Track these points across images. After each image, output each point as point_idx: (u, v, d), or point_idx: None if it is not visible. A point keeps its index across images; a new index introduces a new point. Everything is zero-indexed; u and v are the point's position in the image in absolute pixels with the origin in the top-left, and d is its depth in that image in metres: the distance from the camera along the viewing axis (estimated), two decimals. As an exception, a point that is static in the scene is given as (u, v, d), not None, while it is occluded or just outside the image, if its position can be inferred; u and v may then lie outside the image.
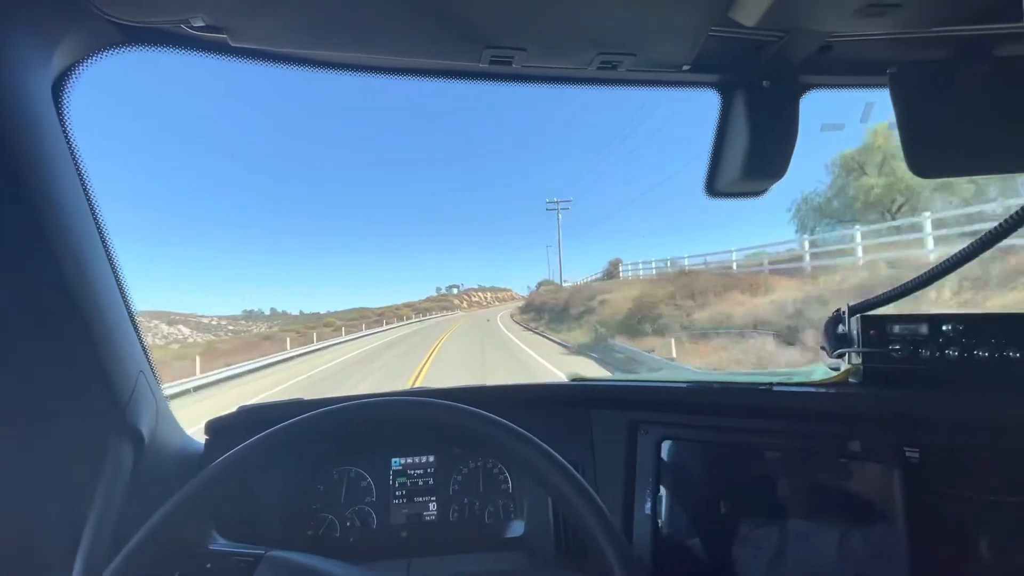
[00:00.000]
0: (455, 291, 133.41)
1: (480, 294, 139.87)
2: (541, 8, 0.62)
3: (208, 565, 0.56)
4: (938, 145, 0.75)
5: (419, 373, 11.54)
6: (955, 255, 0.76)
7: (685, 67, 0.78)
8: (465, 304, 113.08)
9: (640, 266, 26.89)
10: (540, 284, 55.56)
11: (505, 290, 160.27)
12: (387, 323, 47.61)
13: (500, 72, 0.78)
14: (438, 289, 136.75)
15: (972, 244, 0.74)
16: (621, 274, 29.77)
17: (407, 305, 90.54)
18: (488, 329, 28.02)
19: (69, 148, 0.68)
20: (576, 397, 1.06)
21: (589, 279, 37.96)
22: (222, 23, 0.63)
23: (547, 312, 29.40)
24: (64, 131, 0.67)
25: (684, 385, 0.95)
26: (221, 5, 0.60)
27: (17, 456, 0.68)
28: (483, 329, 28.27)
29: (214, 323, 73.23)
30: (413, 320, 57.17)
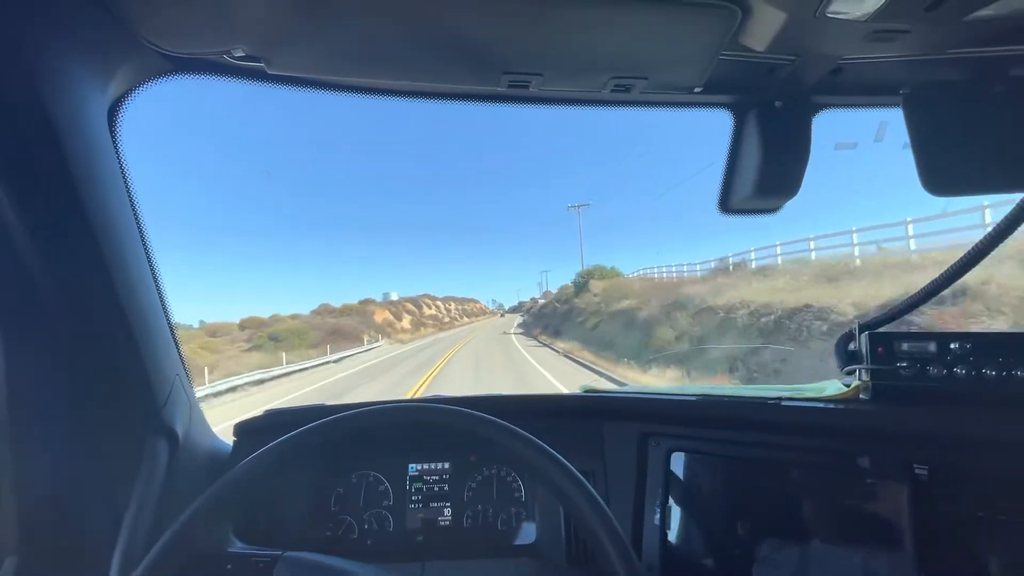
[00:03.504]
0: (391, 298, 67.60)
1: (440, 304, 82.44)
2: (557, 36, 0.65)
3: (228, 567, 0.59)
4: (952, 165, 0.76)
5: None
6: (957, 263, 0.76)
7: (697, 89, 0.80)
8: (406, 324, 55.89)
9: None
10: (584, 275, 29.85)
11: (473, 301, 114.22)
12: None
13: (517, 95, 0.81)
14: (384, 296, 68.51)
15: (971, 251, 0.74)
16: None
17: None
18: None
19: (121, 168, 0.74)
20: (588, 408, 1.08)
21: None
22: (260, 53, 0.68)
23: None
24: (117, 152, 0.73)
25: (694, 398, 0.96)
26: (260, 37, 0.66)
27: (61, 454, 0.73)
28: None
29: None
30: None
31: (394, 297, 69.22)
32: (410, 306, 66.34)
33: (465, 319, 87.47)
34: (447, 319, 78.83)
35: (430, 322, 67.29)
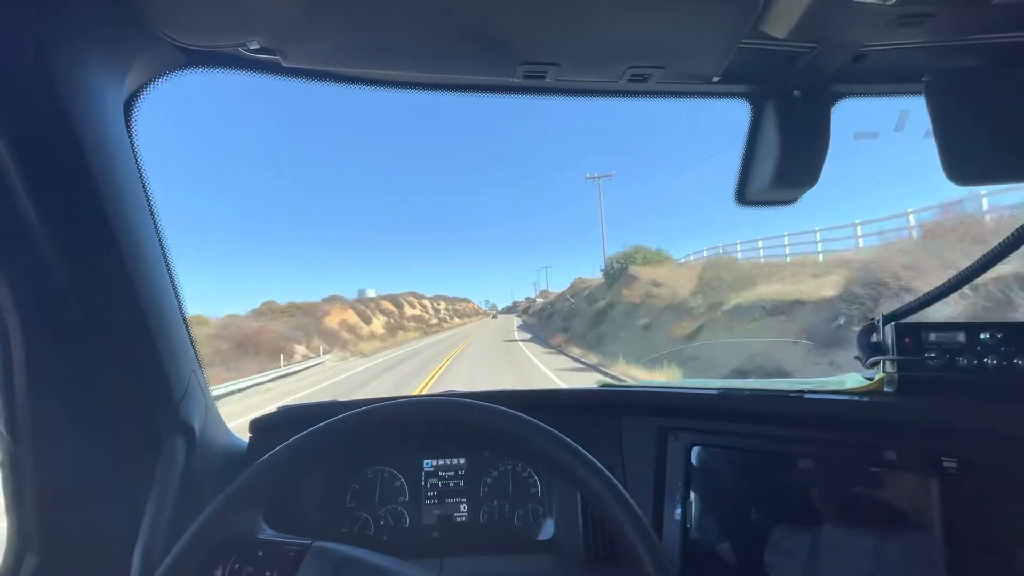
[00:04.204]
0: (367, 295, 56.71)
1: (428, 304, 71.02)
2: (574, 25, 0.64)
3: (260, 553, 0.59)
4: (976, 153, 0.75)
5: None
6: (986, 255, 0.74)
7: (715, 78, 0.79)
8: (378, 328, 42.79)
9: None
10: (622, 259, 22.71)
11: (465, 301, 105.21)
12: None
13: (533, 86, 0.80)
14: (360, 292, 57.63)
15: (994, 248, 0.73)
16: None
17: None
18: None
19: (137, 163, 0.73)
20: (606, 403, 1.07)
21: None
22: (275, 46, 0.68)
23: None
24: (132, 146, 0.73)
25: (714, 392, 0.95)
26: (275, 30, 0.65)
27: (79, 451, 0.73)
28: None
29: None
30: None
31: (371, 294, 56.87)
32: (388, 305, 52.90)
33: (456, 320, 77.47)
34: (434, 320, 64.80)
35: (412, 324, 53.27)
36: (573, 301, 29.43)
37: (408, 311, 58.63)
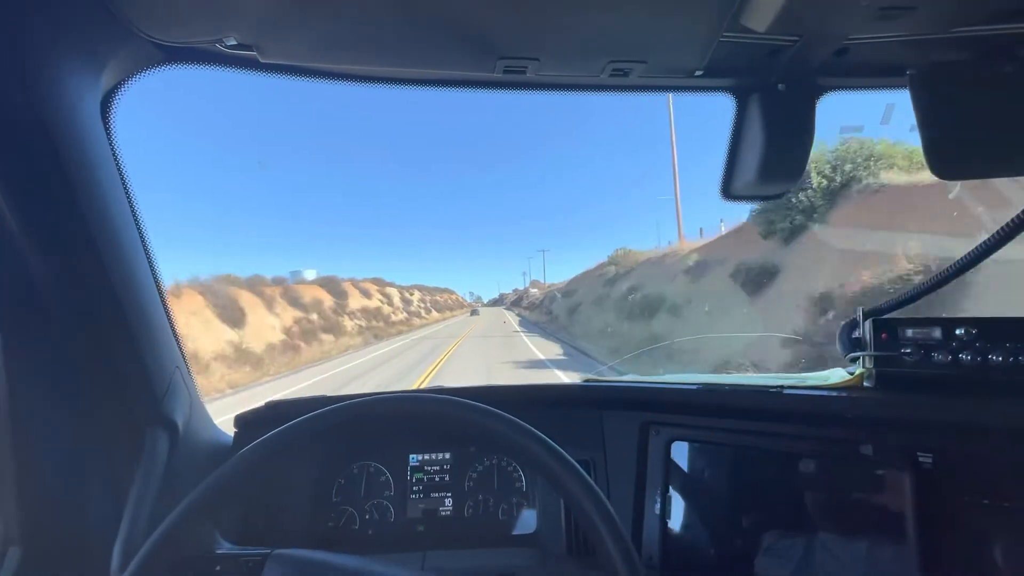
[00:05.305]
0: (303, 278, 34.34)
1: (396, 292, 54.17)
2: (553, 19, 0.64)
3: (217, 567, 0.59)
4: (960, 147, 0.74)
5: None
6: (967, 255, 0.75)
7: (698, 72, 0.79)
8: (252, 335, 17.67)
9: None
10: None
11: (447, 292, 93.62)
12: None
13: (513, 81, 0.80)
14: (293, 274, 33.45)
15: (984, 242, 0.73)
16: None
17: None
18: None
19: (115, 158, 0.73)
20: (588, 398, 1.07)
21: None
22: (252, 41, 0.67)
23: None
24: (111, 143, 0.73)
25: (695, 387, 0.96)
26: (252, 25, 0.65)
27: (62, 445, 0.74)
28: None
29: None
30: None
31: (310, 277, 37.52)
32: (316, 293, 31.58)
33: (434, 314, 62.44)
34: (398, 316, 46.22)
35: (356, 324, 32.98)
36: (632, 286, 18.22)
37: (355, 302, 37.48)
